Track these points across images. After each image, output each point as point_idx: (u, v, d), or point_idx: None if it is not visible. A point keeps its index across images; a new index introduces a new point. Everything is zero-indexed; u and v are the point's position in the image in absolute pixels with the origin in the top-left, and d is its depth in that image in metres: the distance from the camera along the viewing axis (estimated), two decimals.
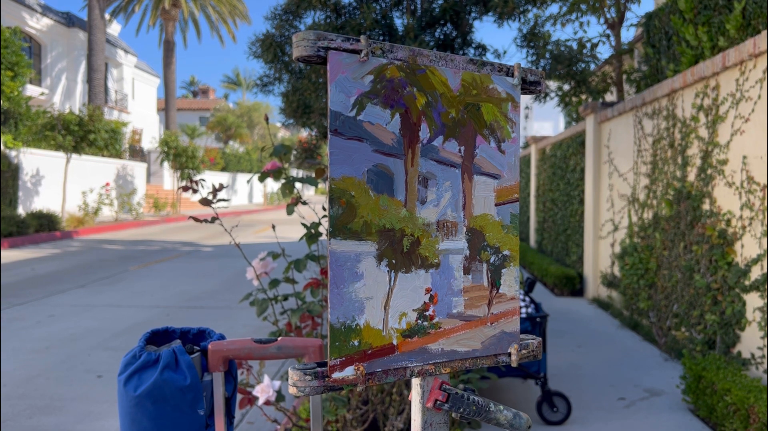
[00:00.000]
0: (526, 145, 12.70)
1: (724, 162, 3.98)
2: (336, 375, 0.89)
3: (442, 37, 6.79)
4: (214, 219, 2.36)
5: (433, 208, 0.98)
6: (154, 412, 1.30)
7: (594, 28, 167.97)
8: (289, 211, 2.48)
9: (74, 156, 16.08)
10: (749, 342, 3.63)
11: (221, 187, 2.34)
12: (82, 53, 24.47)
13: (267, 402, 2.05)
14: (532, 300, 3.59)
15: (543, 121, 27.08)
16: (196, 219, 2.32)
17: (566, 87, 8.07)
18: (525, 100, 17.82)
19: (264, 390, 2.02)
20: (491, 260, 1.04)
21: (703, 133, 4.30)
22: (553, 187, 9.08)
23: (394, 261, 0.94)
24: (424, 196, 0.97)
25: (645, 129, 5.42)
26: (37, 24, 22.27)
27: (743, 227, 3.73)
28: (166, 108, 28.63)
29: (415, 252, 0.96)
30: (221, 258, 10.07)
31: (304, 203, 2.54)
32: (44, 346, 4.69)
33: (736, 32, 4.13)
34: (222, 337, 1.45)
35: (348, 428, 2.58)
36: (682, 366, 4.01)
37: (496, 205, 1.05)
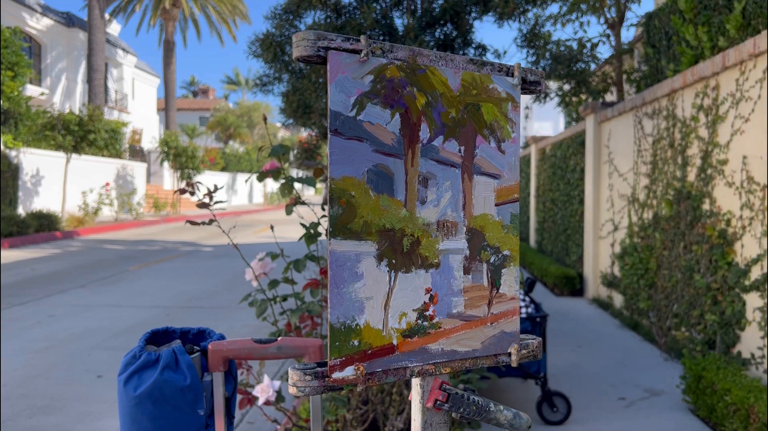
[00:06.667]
0: (526, 145, 12.70)
1: (724, 162, 3.98)
2: (336, 375, 0.89)
3: (442, 37, 6.79)
4: (211, 221, 2.35)
5: (433, 207, 0.98)
6: (154, 412, 1.30)
7: (594, 28, 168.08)
8: (288, 211, 2.48)
9: (74, 156, 16.07)
10: (749, 342, 3.63)
11: (216, 188, 2.33)
12: (82, 53, 24.46)
13: (267, 402, 2.05)
14: (532, 300, 3.59)
15: (543, 121, 27.07)
16: (193, 223, 2.30)
17: (566, 87, 8.07)
18: (525, 100, 17.83)
19: (264, 390, 2.02)
20: (491, 260, 1.04)
21: (703, 133, 4.30)
22: (553, 187, 9.08)
23: (394, 261, 0.94)
24: (424, 196, 0.97)
25: (645, 129, 5.42)
26: (37, 24, 22.27)
27: (743, 227, 3.73)
28: (166, 108, 28.63)
29: (415, 252, 0.96)
30: (221, 258, 10.07)
31: (303, 203, 2.54)
32: (44, 346, 4.69)
33: (736, 32, 4.13)
34: (222, 337, 1.45)
35: (348, 428, 2.58)
36: (682, 366, 4.01)
37: (496, 204, 1.05)
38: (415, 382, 1.00)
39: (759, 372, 3.53)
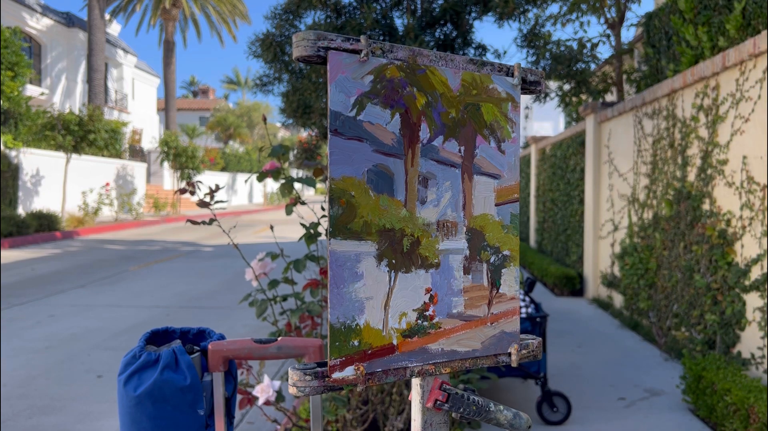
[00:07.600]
0: (526, 145, 12.69)
1: (724, 162, 3.98)
2: (336, 375, 0.89)
3: (442, 37, 6.79)
4: (212, 221, 2.35)
5: (433, 208, 0.98)
6: (154, 412, 1.30)
7: (594, 28, 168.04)
8: (288, 212, 2.48)
9: (74, 156, 16.07)
10: (749, 342, 3.63)
11: (217, 188, 2.33)
12: (82, 53, 24.46)
13: (267, 402, 2.05)
14: (532, 300, 3.59)
15: (543, 121, 27.07)
16: (193, 222, 2.29)
17: (566, 87, 8.07)
18: (525, 100, 17.82)
19: (264, 390, 2.02)
20: (491, 260, 1.04)
21: (703, 133, 4.30)
22: (553, 187, 9.08)
23: (394, 261, 0.94)
24: (424, 196, 0.97)
25: (645, 129, 5.42)
26: (37, 24, 22.26)
27: (743, 227, 3.73)
28: (166, 108, 28.63)
29: (415, 252, 0.96)
30: (221, 258, 10.07)
31: (303, 203, 2.54)
32: (44, 346, 4.69)
33: (736, 32, 4.13)
34: (222, 337, 1.45)
35: (348, 428, 2.58)
36: (682, 366, 4.01)
37: (496, 204, 1.05)
38: (415, 382, 1.00)
39: (759, 372, 3.53)
